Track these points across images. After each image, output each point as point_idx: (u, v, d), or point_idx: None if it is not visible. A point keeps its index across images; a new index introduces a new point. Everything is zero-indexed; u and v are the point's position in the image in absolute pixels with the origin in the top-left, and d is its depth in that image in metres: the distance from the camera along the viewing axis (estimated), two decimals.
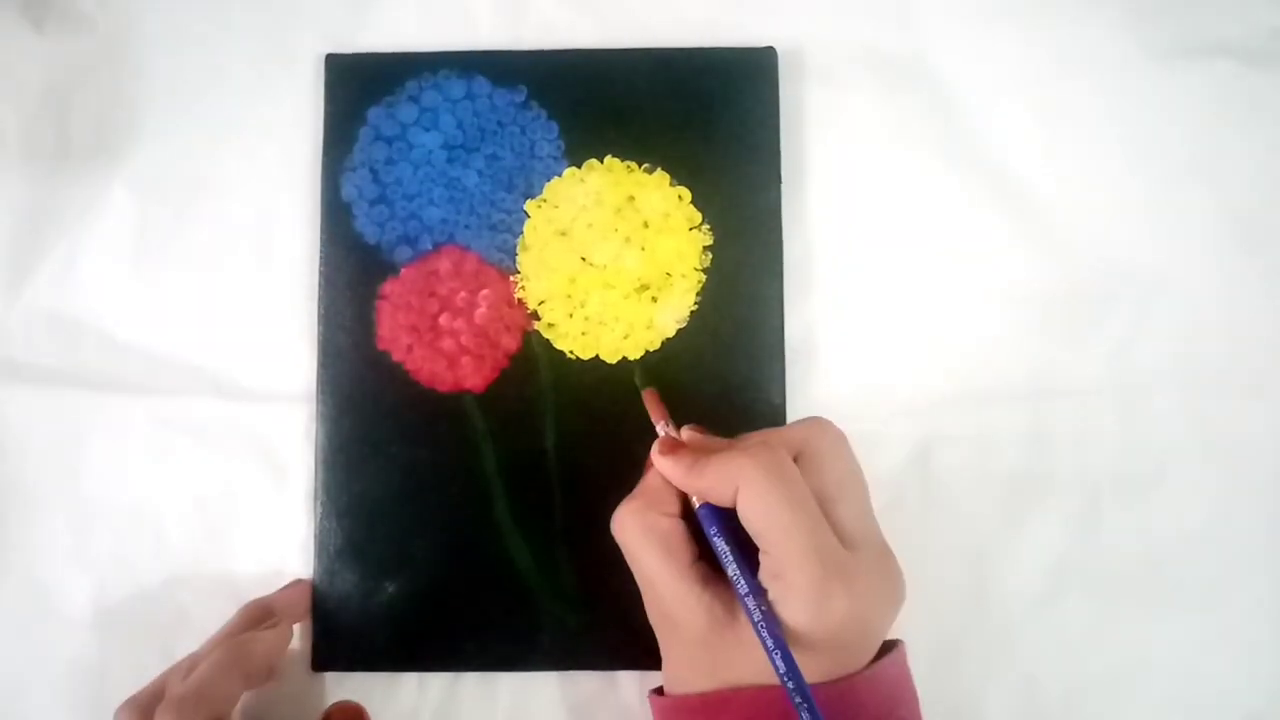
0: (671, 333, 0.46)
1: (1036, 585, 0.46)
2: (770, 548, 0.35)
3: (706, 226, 0.46)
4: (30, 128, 0.48)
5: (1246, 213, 0.48)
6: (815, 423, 0.39)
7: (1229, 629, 0.45)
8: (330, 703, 0.44)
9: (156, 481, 0.46)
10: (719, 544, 0.36)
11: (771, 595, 0.35)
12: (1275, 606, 0.46)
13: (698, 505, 0.37)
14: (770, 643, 0.34)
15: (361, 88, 0.47)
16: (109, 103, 0.48)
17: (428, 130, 0.47)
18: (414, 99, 0.47)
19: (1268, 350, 0.47)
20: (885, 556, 0.38)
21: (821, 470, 0.37)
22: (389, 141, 0.47)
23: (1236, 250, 0.47)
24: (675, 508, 0.38)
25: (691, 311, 0.46)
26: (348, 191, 0.47)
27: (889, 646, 0.39)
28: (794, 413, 0.46)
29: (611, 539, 0.43)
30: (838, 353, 0.47)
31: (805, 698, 0.33)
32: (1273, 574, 0.46)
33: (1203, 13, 0.49)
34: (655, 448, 0.39)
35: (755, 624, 0.35)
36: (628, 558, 0.39)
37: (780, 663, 0.34)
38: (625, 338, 0.46)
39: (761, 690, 0.35)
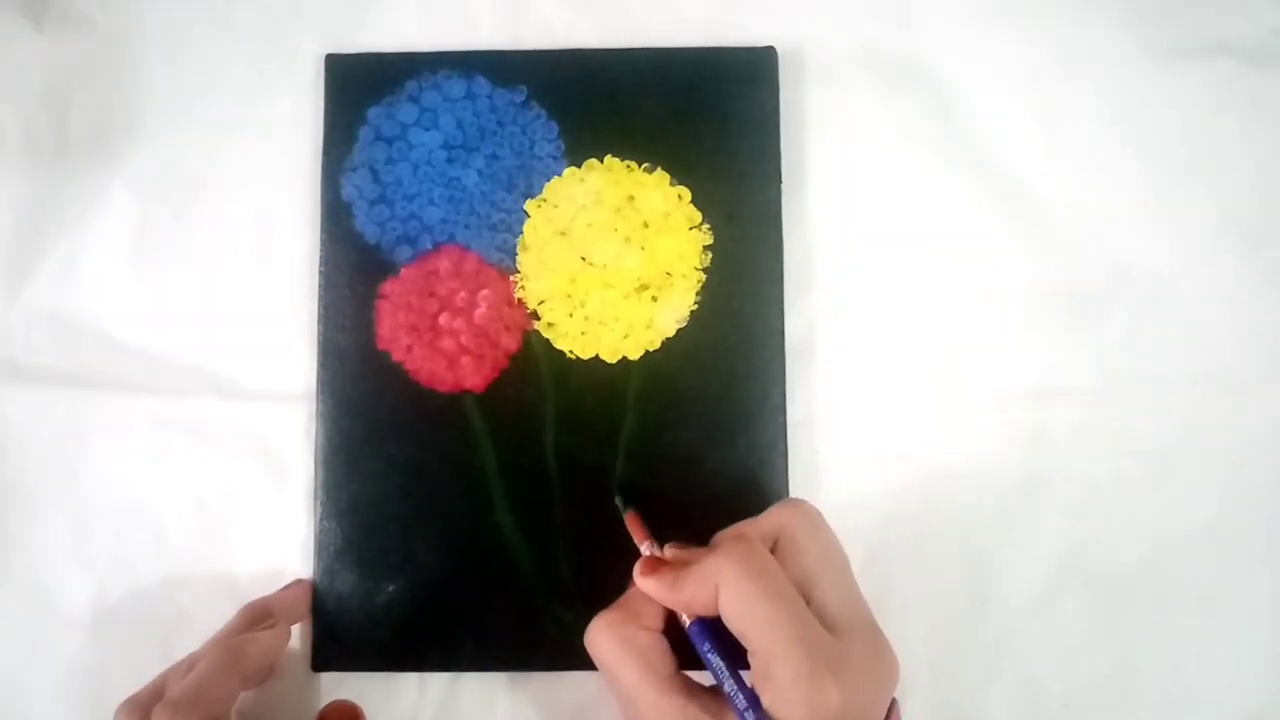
0: (671, 332, 0.46)
1: (1036, 585, 0.46)
2: (755, 645, 0.35)
3: (706, 226, 0.46)
4: (30, 127, 0.48)
5: (1247, 212, 0.48)
6: (787, 506, 0.39)
7: (1229, 629, 0.45)
8: (325, 703, 0.44)
9: (156, 481, 0.46)
10: (712, 660, 0.36)
11: (765, 700, 0.34)
12: (1275, 606, 0.46)
13: (688, 623, 0.37)
14: None
15: (361, 88, 0.47)
16: (109, 103, 0.48)
17: (428, 130, 0.47)
18: (414, 99, 0.47)
19: (1268, 350, 0.47)
20: (875, 637, 0.37)
21: (798, 554, 0.37)
22: (389, 141, 0.47)
23: (1237, 250, 0.47)
24: (657, 623, 0.38)
25: (691, 311, 0.46)
26: (348, 191, 0.47)
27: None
28: (794, 411, 0.45)
29: (612, 538, 0.43)
30: (838, 352, 0.47)
31: None
32: (1273, 574, 0.46)
33: (1203, 12, 0.49)
34: (638, 568, 0.38)
35: None
36: (604, 671, 0.38)
37: None
38: (625, 337, 0.46)
39: None
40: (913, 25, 0.49)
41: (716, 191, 0.46)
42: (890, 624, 0.38)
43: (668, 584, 0.37)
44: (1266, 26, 0.49)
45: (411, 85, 0.47)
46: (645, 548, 0.40)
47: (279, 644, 0.42)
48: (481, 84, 0.47)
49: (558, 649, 0.44)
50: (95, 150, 0.48)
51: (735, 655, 0.36)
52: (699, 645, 0.37)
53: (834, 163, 0.48)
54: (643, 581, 0.38)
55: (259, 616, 0.43)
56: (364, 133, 0.47)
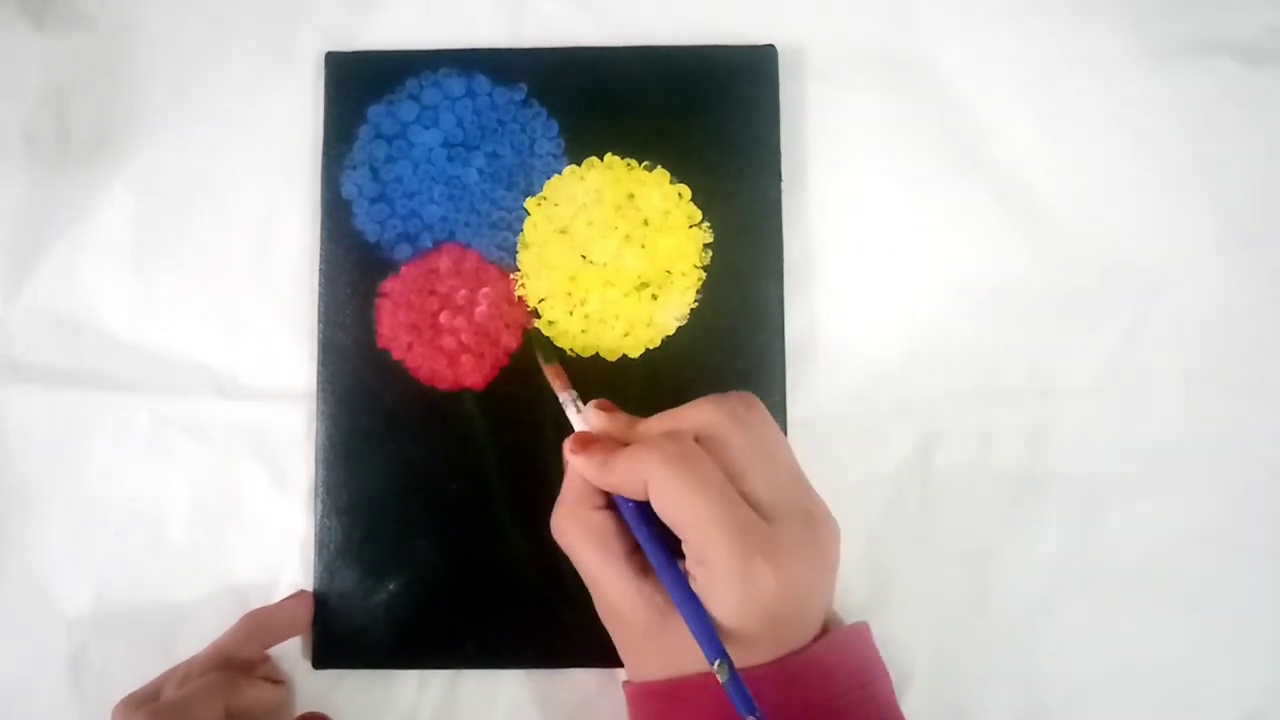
0: (672, 330, 0.46)
1: (1036, 585, 0.46)
2: (688, 537, 0.35)
3: (707, 224, 0.46)
4: (30, 126, 0.48)
5: (1247, 212, 0.48)
6: (713, 402, 0.38)
7: (1229, 629, 0.45)
8: (305, 710, 0.45)
9: (156, 481, 0.46)
10: (641, 538, 0.36)
11: (699, 584, 0.35)
12: (1275, 606, 0.46)
13: (620, 502, 0.37)
14: (694, 628, 0.34)
15: (362, 86, 0.47)
16: (109, 102, 0.48)
17: (428, 128, 0.47)
18: (414, 97, 0.47)
19: (1268, 350, 0.47)
20: (811, 522, 0.36)
21: (728, 446, 0.36)
22: (389, 139, 0.47)
23: (1237, 249, 0.47)
24: (601, 500, 0.38)
25: (692, 309, 0.46)
26: (348, 189, 0.47)
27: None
28: (794, 411, 0.46)
29: None
30: (838, 350, 0.47)
31: (738, 687, 0.33)
32: (1273, 574, 0.46)
33: (1203, 11, 0.49)
34: (568, 444, 0.38)
35: (683, 612, 0.35)
36: (571, 558, 0.38)
37: (708, 649, 0.34)
38: (625, 335, 0.46)
39: (711, 675, 0.34)
40: (913, 24, 0.49)
41: (717, 190, 0.46)
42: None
43: (596, 465, 0.37)
44: (1266, 26, 0.49)
45: (412, 83, 0.47)
46: (566, 398, 0.41)
47: (276, 700, 0.42)
48: (482, 82, 0.47)
49: (557, 646, 0.44)
50: (95, 150, 0.48)
51: (671, 537, 0.36)
52: (633, 527, 0.37)
53: (834, 161, 0.48)
54: (573, 459, 0.38)
55: (260, 628, 0.43)
56: (364, 131, 0.47)
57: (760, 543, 0.34)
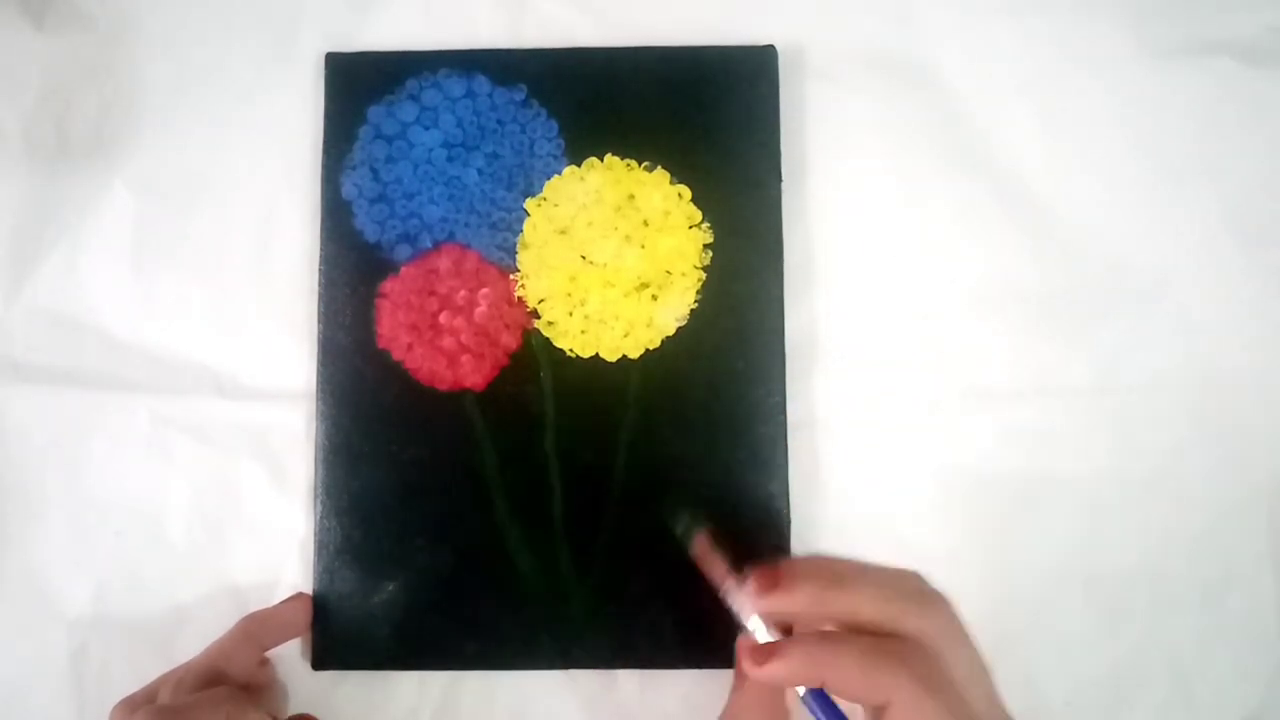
0: (671, 331, 0.46)
1: (1036, 585, 0.45)
2: None
3: (706, 225, 0.46)
4: (30, 126, 0.48)
5: (1247, 211, 0.48)
6: (929, 610, 0.35)
7: (1229, 629, 0.45)
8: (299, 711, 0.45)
9: (156, 481, 0.46)
10: None
11: None
12: (1275, 606, 0.45)
13: (803, 692, 0.34)
14: None
15: (362, 86, 0.47)
16: (109, 102, 0.48)
17: (428, 129, 0.47)
18: (414, 97, 0.47)
19: (1268, 350, 0.47)
20: None
21: (953, 663, 0.34)
22: (389, 140, 0.47)
23: (1237, 249, 0.47)
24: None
25: (691, 310, 0.46)
26: (348, 190, 0.47)
27: None
28: (794, 411, 0.45)
29: (611, 536, 0.43)
30: (838, 351, 0.47)
31: None
32: (1273, 574, 0.46)
33: (1203, 11, 0.48)
34: (745, 656, 0.34)
35: None
36: None
37: None
38: (625, 336, 0.46)
39: None
40: (913, 24, 0.49)
41: (717, 190, 0.46)
42: None
43: (812, 663, 0.33)
44: (1266, 26, 0.49)
45: (412, 84, 0.47)
46: (729, 586, 0.36)
47: None
48: (481, 83, 0.47)
49: (558, 647, 0.44)
50: (95, 150, 0.48)
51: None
52: (824, 716, 0.34)
53: (834, 162, 0.48)
54: (766, 670, 0.34)
55: (258, 631, 0.43)
56: (364, 131, 0.47)
57: None
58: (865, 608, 0.34)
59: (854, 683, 0.33)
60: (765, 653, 0.34)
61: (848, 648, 0.33)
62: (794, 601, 0.35)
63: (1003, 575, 0.46)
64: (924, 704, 0.32)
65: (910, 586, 0.35)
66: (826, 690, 0.34)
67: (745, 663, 0.34)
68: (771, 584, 0.35)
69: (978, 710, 0.34)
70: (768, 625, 0.35)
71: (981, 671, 0.35)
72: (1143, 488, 0.46)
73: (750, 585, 0.35)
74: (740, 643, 0.35)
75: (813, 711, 0.34)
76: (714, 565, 0.37)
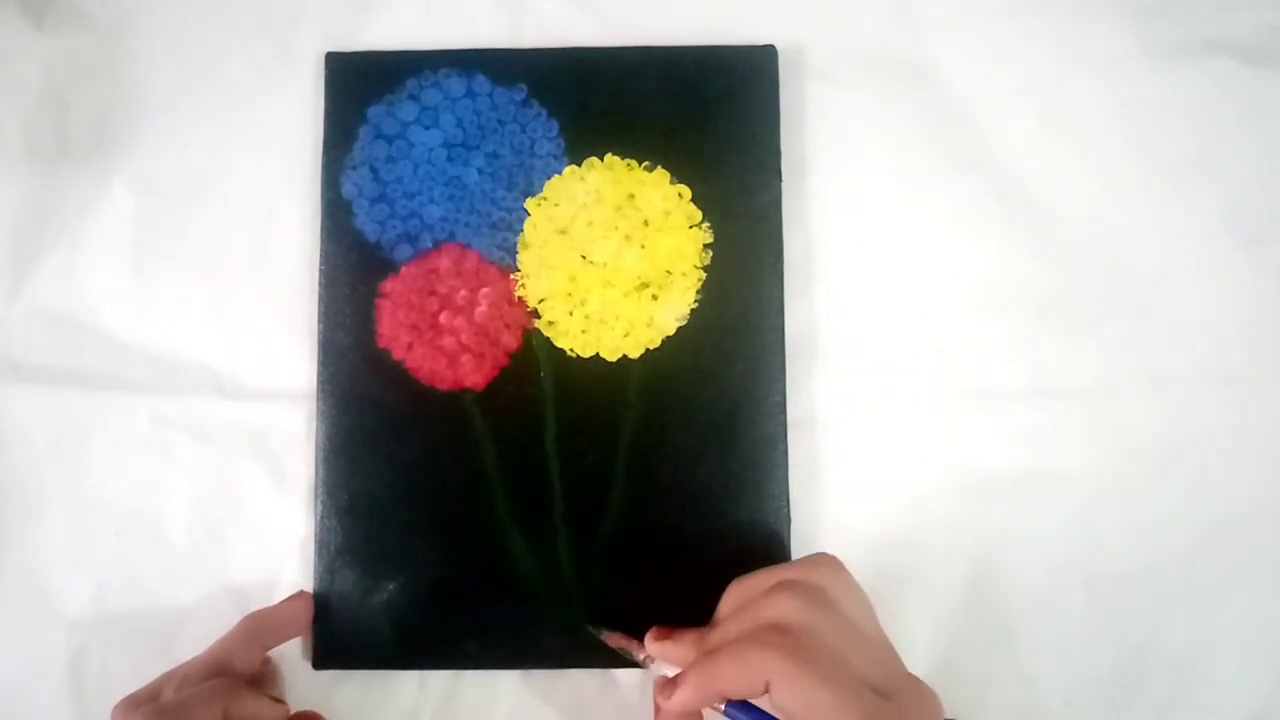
0: (672, 330, 0.46)
1: (1036, 585, 0.45)
2: None
3: (707, 224, 0.46)
4: (30, 126, 0.48)
5: (1247, 211, 0.48)
6: (788, 586, 0.37)
7: (1230, 628, 0.45)
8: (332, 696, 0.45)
9: (156, 481, 0.46)
10: None
11: None
12: (1276, 606, 0.45)
13: (722, 708, 0.37)
14: None
15: (362, 86, 0.47)
16: (109, 102, 0.48)
17: (428, 128, 0.47)
18: (414, 97, 0.47)
19: (1268, 350, 0.47)
20: (919, 693, 0.36)
21: (821, 634, 0.36)
22: (389, 140, 0.47)
23: (1237, 248, 0.47)
24: None
25: (692, 309, 0.46)
26: (348, 190, 0.46)
27: None
28: (794, 411, 0.45)
29: (612, 536, 0.43)
30: (838, 351, 0.47)
31: None
32: (1273, 573, 0.46)
33: (1203, 11, 0.48)
34: (657, 694, 0.38)
35: None
36: None
37: None
38: (626, 336, 0.45)
39: None
40: (913, 24, 0.49)
41: (717, 190, 0.46)
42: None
43: (694, 685, 0.36)
44: (1266, 26, 0.49)
45: (412, 83, 0.47)
46: (646, 660, 0.41)
47: (275, 717, 0.41)
48: (482, 82, 0.47)
49: (558, 646, 0.44)
50: (95, 150, 0.48)
51: None
52: None
53: (834, 162, 0.48)
54: (673, 700, 0.37)
55: (260, 630, 0.43)
56: (364, 131, 0.47)
57: None
58: (731, 627, 0.37)
59: (739, 681, 0.35)
60: (671, 685, 0.37)
61: (723, 655, 0.36)
62: (681, 642, 0.39)
63: (1003, 575, 0.45)
64: (798, 677, 0.34)
65: (772, 579, 0.38)
66: (728, 699, 0.36)
67: (658, 697, 0.38)
68: (664, 633, 0.40)
69: (856, 669, 0.35)
70: (669, 666, 0.40)
71: (857, 634, 0.37)
72: (1143, 488, 0.46)
73: (650, 634, 0.40)
74: (655, 682, 0.39)
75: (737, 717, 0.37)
76: (625, 642, 0.42)
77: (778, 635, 0.35)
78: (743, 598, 0.39)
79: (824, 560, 0.39)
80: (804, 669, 0.34)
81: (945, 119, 0.48)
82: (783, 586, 0.37)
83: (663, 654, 0.40)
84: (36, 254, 0.48)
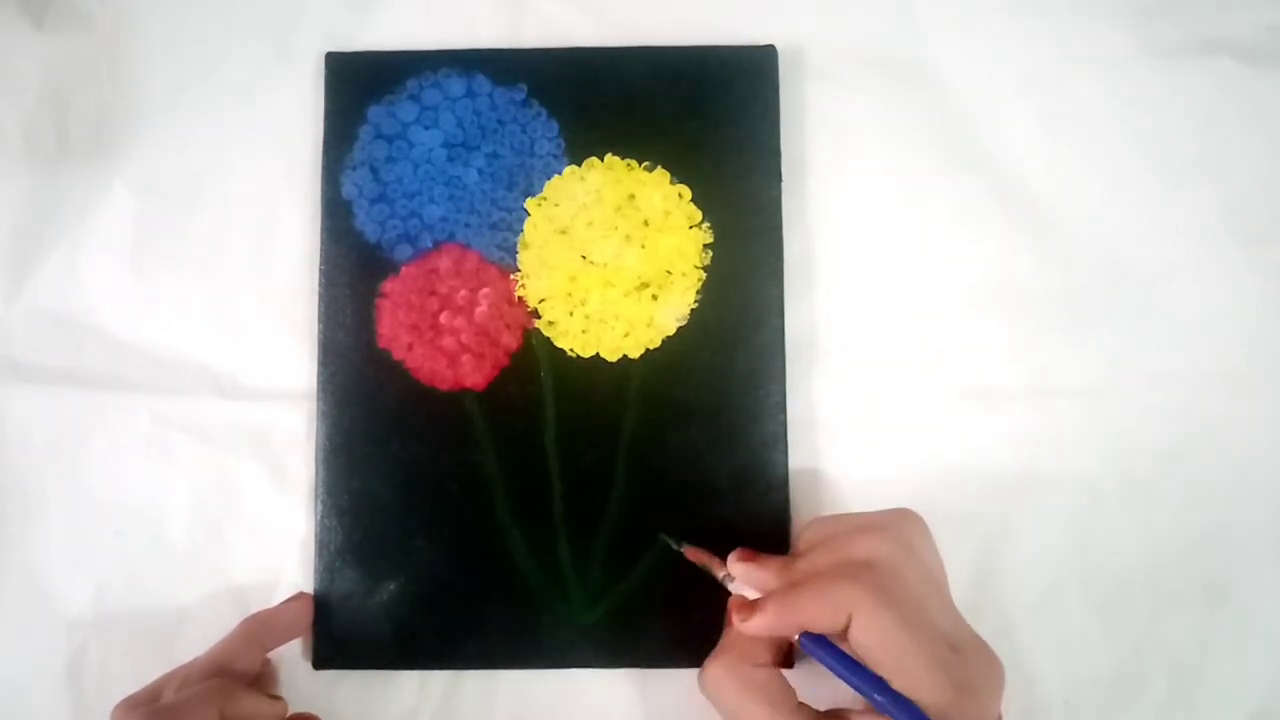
0: (672, 330, 0.46)
1: (1036, 585, 0.45)
2: (893, 671, 0.36)
3: (707, 224, 0.46)
4: (30, 126, 0.48)
5: (1248, 211, 0.48)
6: (880, 528, 0.38)
7: (1230, 628, 0.45)
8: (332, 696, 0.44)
9: (156, 481, 0.46)
10: (848, 668, 0.36)
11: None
12: (1276, 606, 0.45)
13: (797, 638, 0.37)
14: None
15: (362, 86, 0.47)
16: (109, 102, 0.48)
17: (428, 128, 0.47)
18: (414, 97, 0.47)
19: (1268, 350, 0.47)
20: (984, 651, 0.38)
21: (905, 579, 0.37)
22: (389, 140, 0.47)
23: (1237, 249, 0.47)
24: (768, 657, 0.38)
25: (692, 309, 0.46)
26: (348, 190, 0.46)
27: None
28: (794, 410, 0.45)
29: (612, 536, 0.43)
30: (838, 351, 0.47)
31: None
32: (1273, 574, 0.46)
33: (1203, 11, 0.48)
34: (734, 613, 0.38)
35: None
36: (725, 714, 0.38)
37: None
38: (626, 336, 0.46)
39: None
40: (913, 24, 0.49)
41: (717, 190, 0.46)
42: None
43: (774, 617, 0.37)
44: (1266, 26, 0.49)
45: (412, 83, 0.47)
46: (720, 573, 0.41)
47: (273, 716, 0.41)
48: (482, 82, 0.47)
49: (558, 647, 0.44)
50: (95, 150, 0.48)
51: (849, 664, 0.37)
52: (823, 656, 0.37)
53: (834, 162, 0.48)
54: (748, 625, 0.37)
55: (260, 632, 0.43)
56: (364, 131, 0.47)
57: (960, 679, 0.35)
58: (819, 558, 0.38)
59: (821, 614, 0.36)
60: (749, 608, 0.37)
61: (808, 587, 0.37)
62: (766, 567, 0.39)
63: (1003, 575, 0.45)
64: (880, 614, 0.35)
65: (859, 520, 0.40)
66: (807, 630, 0.37)
67: (735, 617, 0.38)
68: (750, 555, 0.40)
69: (933, 618, 0.37)
70: (749, 589, 0.39)
71: (935, 585, 0.38)
72: (1143, 488, 0.46)
73: (734, 555, 0.40)
74: (730, 601, 0.39)
75: (810, 654, 0.37)
76: (707, 558, 0.41)
77: (867, 571, 0.36)
78: (826, 534, 0.39)
79: (908, 513, 0.40)
80: (888, 608, 0.35)
81: (945, 119, 0.48)
82: (871, 529, 0.38)
83: (745, 575, 0.40)
84: (36, 254, 0.48)
